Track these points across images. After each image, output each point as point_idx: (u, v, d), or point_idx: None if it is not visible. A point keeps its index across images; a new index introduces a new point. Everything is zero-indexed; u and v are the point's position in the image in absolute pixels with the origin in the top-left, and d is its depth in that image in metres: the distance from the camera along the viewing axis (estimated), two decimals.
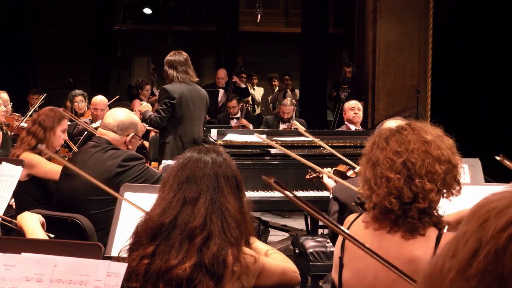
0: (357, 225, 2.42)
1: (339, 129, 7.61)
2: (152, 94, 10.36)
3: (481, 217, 0.98)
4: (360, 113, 7.42)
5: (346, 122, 7.43)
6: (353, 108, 7.37)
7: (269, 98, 12.63)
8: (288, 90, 12.05)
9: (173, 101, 6.01)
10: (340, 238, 2.48)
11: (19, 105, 7.93)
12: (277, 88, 12.52)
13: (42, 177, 4.54)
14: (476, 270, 0.93)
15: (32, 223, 2.77)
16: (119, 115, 4.10)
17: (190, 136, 6.11)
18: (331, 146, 5.77)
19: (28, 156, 4.43)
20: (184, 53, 6.25)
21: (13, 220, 2.89)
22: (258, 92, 12.70)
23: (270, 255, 2.49)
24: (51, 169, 4.50)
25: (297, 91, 12.37)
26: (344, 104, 7.82)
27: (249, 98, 11.43)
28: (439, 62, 10.46)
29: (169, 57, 6.21)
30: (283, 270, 2.46)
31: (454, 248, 0.98)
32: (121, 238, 2.88)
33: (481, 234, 0.96)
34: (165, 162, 4.84)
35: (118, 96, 9.39)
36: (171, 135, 6.07)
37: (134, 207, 2.71)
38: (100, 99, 7.68)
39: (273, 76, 12.70)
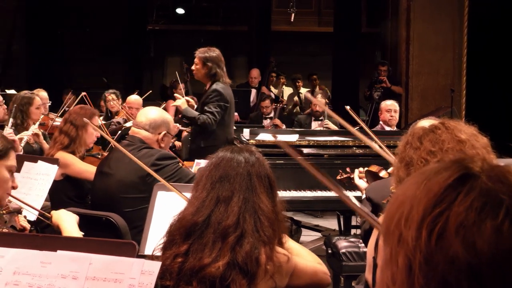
0: None
1: (373, 129, 7.54)
2: (186, 93, 10.39)
3: (394, 232, 0.97)
4: (396, 115, 7.34)
5: (381, 122, 7.38)
6: (390, 110, 7.29)
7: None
8: (317, 88, 11.99)
9: (227, 104, 5.92)
10: (373, 238, 2.47)
11: (54, 106, 8.01)
12: (301, 89, 12.41)
13: (76, 176, 4.58)
14: (419, 285, 0.93)
15: (70, 224, 2.79)
16: (151, 113, 4.13)
17: (231, 138, 6.07)
18: (363, 146, 5.76)
19: (62, 156, 4.47)
20: (217, 50, 6.08)
21: (48, 214, 2.90)
22: (286, 92, 12.65)
23: (301, 255, 2.49)
24: (85, 169, 4.54)
25: (326, 89, 12.25)
26: (380, 104, 7.74)
27: (283, 99, 11.45)
28: (473, 61, 10.34)
29: (212, 53, 5.99)
30: (315, 271, 2.46)
31: (391, 273, 0.97)
32: (155, 237, 2.89)
33: (404, 249, 0.95)
34: (199, 162, 4.84)
35: (150, 91, 9.45)
36: (220, 138, 5.87)
37: (177, 194, 2.72)
38: (134, 99, 7.75)
39: (297, 76, 12.56)
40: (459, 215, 0.92)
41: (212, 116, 5.81)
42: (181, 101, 6.01)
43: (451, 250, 0.91)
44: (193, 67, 6.11)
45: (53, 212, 2.88)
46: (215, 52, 6.02)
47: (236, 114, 9.92)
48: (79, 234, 2.75)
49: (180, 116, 6.11)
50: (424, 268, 0.92)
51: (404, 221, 0.96)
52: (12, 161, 2.57)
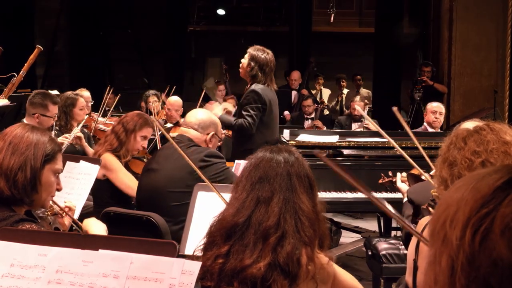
0: None
1: (418, 129, 7.48)
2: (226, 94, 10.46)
3: (440, 233, 0.96)
4: (441, 118, 7.34)
5: (425, 123, 7.35)
6: (435, 112, 7.29)
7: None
8: (361, 89, 11.95)
9: (265, 106, 5.58)
10: (414, 240, 2.44)
11: (96, 106, 8.10)
12: (344, 89, 12.35)
13: (116, 185, 4.58)
14: (461, 285, 0.91)
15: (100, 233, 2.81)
16: (200, 114, 4.31)
17: (274, 142, 5.55)
18: (405, 147, 5.70)
19: (108, 159, 4.49)
20: (271, 53, 5.74)
21: (80, 223, 2.94)
22: (325, 93, 12.60)
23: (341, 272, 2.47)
24: (127, 184, 4.52)
25: (367, 91, 12.19)
26: (426, 105, 7.74)
27: (324, 100, 11.41)
28: None
29: (260, 54, 5.66)
30: (353, 286, 2.42)
31: (433, 274, 0.96)
32: (195, 237, 2.91)
33: (448, 249, 0.94)
34: (239, 163, 4.85)
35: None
36: (258, 141, 5.48)
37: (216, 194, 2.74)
38: (174, 100, 7.73)
39: (341, 76, 12.46)
40: (506, 217, 0.90)
41: (251, 119, 5.53)
42: (220, 107, 5.89)
43: (495, 251, 0.89)
44: (242, 60, 5.77)
45: (85, 221, 2.91)
46: (266, 54, 5.70)
47: (287, 113, 9.94)
48: None
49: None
50: (466, 269, 0.91)
51: (449, 222, 0.95)
52: (59, 164, 2.58)
